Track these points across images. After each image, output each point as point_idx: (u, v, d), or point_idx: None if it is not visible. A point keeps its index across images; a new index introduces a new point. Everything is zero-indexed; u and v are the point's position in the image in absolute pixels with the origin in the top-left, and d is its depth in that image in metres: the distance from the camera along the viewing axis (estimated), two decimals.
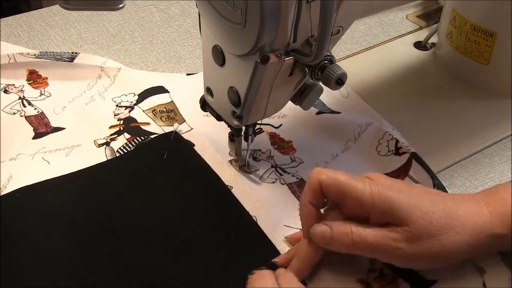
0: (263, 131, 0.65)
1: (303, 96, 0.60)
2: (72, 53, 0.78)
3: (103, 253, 0.58)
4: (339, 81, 0.56)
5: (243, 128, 0.64)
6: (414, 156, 0.68)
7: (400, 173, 0.68)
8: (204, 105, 0.65)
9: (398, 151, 0.69)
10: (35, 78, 0.76)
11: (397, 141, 0.69)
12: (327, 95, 0.74)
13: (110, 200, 0.62)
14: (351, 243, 0.53)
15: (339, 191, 0.54)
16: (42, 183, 0.63)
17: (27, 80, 0.76)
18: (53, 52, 0.78)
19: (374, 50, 0.87)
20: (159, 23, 0.89)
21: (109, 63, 0.78)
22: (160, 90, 0.75)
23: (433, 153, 0.69)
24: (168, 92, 0.75)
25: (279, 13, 0.51)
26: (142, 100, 0.74)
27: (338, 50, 0.84)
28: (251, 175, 0.67)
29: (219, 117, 0.64)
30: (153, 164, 0.66)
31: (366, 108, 0.75)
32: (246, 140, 0.65)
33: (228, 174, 0.66)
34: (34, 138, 0.69)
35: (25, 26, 0.87)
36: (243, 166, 0.67)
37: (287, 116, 0.73)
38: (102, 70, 0.77)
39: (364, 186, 0.53)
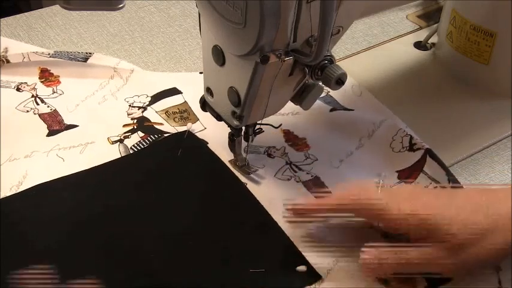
0: (263, 131, 0.65)
1: (303, 96, 0.60)
2: (87, 53, 0.79)
3: (119, 249, 0.58)
4: (338, 81, 0.56)
5: (243, 128, 0.64)
6: (429, 152, 0.68)
7: (415, 170, 0.68)
8: (204, 105, 0.65)
9: (412, 147, 0.69)
10: (47, 76, 0.77)
11: (411, 138, 0.70)
12: (341, 93, 0.75)
13: (125, 197, 0.63)
14: (398, 266, 0.54)
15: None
16: (58, 180, 0.64)
17: (39, 78, 0.77)
18: (67, 52, 0.79)
19: (374, 50, 0.87)
20: (159, 23, 0.89)
21: (122, 65, 0.78)
22: (173, 92, 0.76)
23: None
24: (181, 93, 0.76)
25: (279, 13, 0.51)
26: (155, 102, 0.74)
27: (338, 50, 0.84)
28: (267, 173, 0.67)
29: (219, 117, 0.64)
30: (168, 160, 0.67)
31: (379, 106, 0.75)
32: (246, 140, 0.65)
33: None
34: (48, 135, 0.70)
35: (25, 26, 0.87)
36: (243, 166, 0.67)
37: (300, 113, 0.73)
38: (115, 71, 0.77)
39: (398, 213, 0.55)
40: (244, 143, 0.66)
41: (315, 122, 0.72)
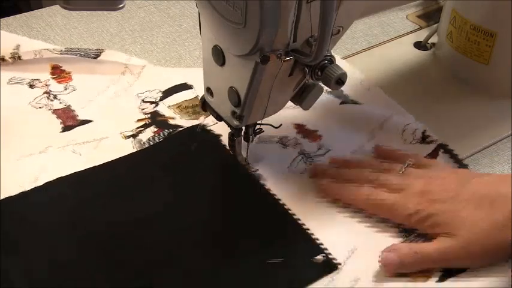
0: (263, 131, 0.65)
1: (303, 96, 0.60)
2: (98, 49, 0.79)
3: (136, 243, 0.58)
4: (338, 81, 0.56)
5: (243, 128, 0.64)
6: (442, 146, 0.69)
7: None
8: (204, 105, 0.65)
9: (425, 140, 0.70)
10: (58, 73, 0.77)
11: (424, 130, 0.70)
12: (350, 87, 0.76)
13: (140, 191, 0.64)
14: (419, 262, 0.56)
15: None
16: (74, 174, 0.65)
17: (51, 75, 0.77)
18: (78, 48, 0.80)
19: (374, 50, 0.87)
20: (159, 23, 0.89)
21: (133, 61, 0.79)
22: (184, 87, 0.76)
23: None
24: (192, 87, 0.76)
25: (279, 13, 0.51)
26: (167, 97, 0.75)
27: (338, 50, 0.84)
28: (281, 164, 0.67)
29: (219, 117, 0.64)
30: (182, 154, 0.68)
31: (387, 101, 0.76)
32: (246, 140, 0.65)
33: (256, 161, 0.67)
34: (63, 131, 0.70)
35: (25, 26, 0.87)
36: (243, 166, 0.67)
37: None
38: (126, 67, 0.78)
39: (405, 207, 0.59)
40: (244, 143, 0.66)
41: (326, 115, 0.73)
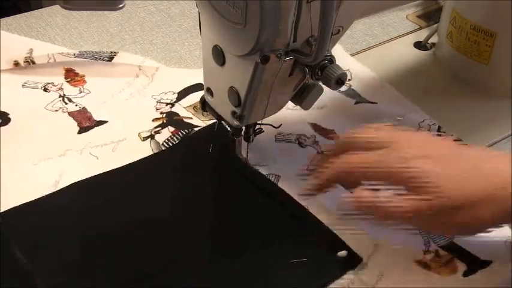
0: (263, 131, 0.65)
1: (303, 96, 0.60)
2: (111, 52, 0.79)
3: (155, 245, 0.59)
4: (339, 81, 0.56)
5: (243, 127, 0.64)
6: (458, 141, 0.68)
7: None
8: (204, 105, 0.65)
9: (440, 136, 0.70)
10: (72, 76, 0.77)
11: (440, 126, 0.71)
12: (362, 86, 0.77)
13: (160, 194, 0.64)
14: (395, 214, 0.52)
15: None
16: (93, 178, 0.64)
17: (65, 78, 0.77)
18: (92, 51, 0.80)
19: (374, 50, 0.87)
20: (159, 23, 0.89)
21: (147, 63, 0.79)
22: (198, 87, 0.76)
23: None
24: None
25: (279, 13, 0.51)
26: (182, 98, 0.75)
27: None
28: (300, 165, 0.65)
29: (219, 117, 0.64)
30: (200, 156, 0.67)
31: (401, 99, 0.76)
32: (246, 140, 0.65)
33: (274, 161, 0.67)
34: (79, 133, 0.70)
35: (25, 26, 0.87)
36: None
37: (326, 106, 0.74)
38: (140, 69, 0.78)
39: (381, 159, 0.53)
40: (244, 143, 0.66)
41: (341, 115, 0.73)
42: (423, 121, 0.73)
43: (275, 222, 0.61)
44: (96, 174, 0.65)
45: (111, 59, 0.79)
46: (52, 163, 0.66)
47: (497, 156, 0.55)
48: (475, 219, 0.52)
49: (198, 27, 0.60)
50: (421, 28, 0.91)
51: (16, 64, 0.77)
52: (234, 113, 0.60)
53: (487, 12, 0.75)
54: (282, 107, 0.63)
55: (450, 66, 0.82)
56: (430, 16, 0.93)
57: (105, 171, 0.65)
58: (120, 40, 0.86)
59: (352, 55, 0.85)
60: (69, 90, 0.76)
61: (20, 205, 0.61)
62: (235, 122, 0.61)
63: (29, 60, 0.77)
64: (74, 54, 0.78)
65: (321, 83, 0.58)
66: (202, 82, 0.74)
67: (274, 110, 0.63)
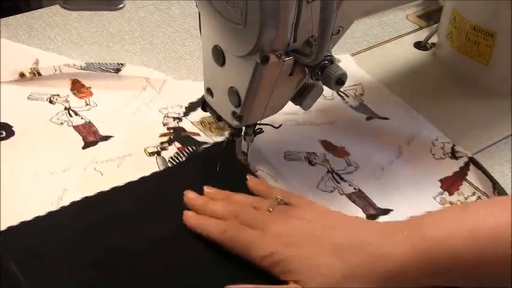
0: (263, 131, 0.65)
1: (303, 96, 0.60)
2: (118, 64, 0.78)
3: (160, 264, 0.57)
4: (339, 81, 0.56)
5: (243, 128, 0.64)
6: (472, 160, 0.68)
7: (457, 178, 0.67)
8: (204, 105, 0.65)
9: (455, 155, 0.69)
10: (78, 88, 0.76)
11: (453, 144, 0.69)
12: (374, 102, 0.76)
13: (164, 211, 0.62)
14: None
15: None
16: (97, 195, 0.63)
17: (71, 90, 0.76)
18: (99, 63, 0.78)
19: (374, 50, 0.87)
20: (159, 23, 0.89)
21: (155, 75, 0.78)
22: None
23: None
24: None
25: (279, 13, 0.51)
26: (190, 112, 0.74)
27: (338, 50, 0.84)
28: (310, 183, 0.65)
29: (219, 117, 0.64)
30: (206, 175, 0.66)
31: (413, 115, 0.74)
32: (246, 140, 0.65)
33: (283, 181, 0.65)
34: (84, 147, 0.69)
35: (25, 26, 0.87)
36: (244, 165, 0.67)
37: (336, 122, 0.73)
38: (147, 82, 0.77)
39: (261, 247, 0.55)
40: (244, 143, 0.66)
41: (352, 131, 0.72)
42: (436, 139, 0.71)
43: None
44: (100, 191, 0.63)
45: (118, 70, 0.78)
46: (55, 179, 0.65)
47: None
48: None
49: (198, 27, 0.60)
50: (421, 28, 0.91)
51: (22, 75, 0.76)
52: (234, 113, 0.60)
53: (487, 12, 0.75)
54: (282, 107, 0.63)
55: (450, 66, 0.82)
56: (430, 16, 0.93)
57: (109, 188, 0.64)
58: (120, 40, 0.86)
59: (352, 55, 0.85)
60: (75, 102, 0.75)
61: (20, 223, 0.59)
62: (235, 122, 0.61)
63: (34, 72, 0.76)
64: (81, 67, 0.77)
65: (321, 83, 0.58)
66: None
67: (274, 110, 0.63)
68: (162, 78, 0.78)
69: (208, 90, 0.63)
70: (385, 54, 0.86)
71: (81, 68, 0.77)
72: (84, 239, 0.59)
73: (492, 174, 0.69)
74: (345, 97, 0.77)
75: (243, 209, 0.59)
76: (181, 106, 0.75)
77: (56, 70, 0.76)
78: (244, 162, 0.67)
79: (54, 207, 0.61)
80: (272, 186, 0.64)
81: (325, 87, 0.58)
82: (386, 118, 0.74)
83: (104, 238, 0.59)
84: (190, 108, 0.74)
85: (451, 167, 0.68)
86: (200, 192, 0.63)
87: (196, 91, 0.75)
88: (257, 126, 0.64)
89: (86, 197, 0.63)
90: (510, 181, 0.68)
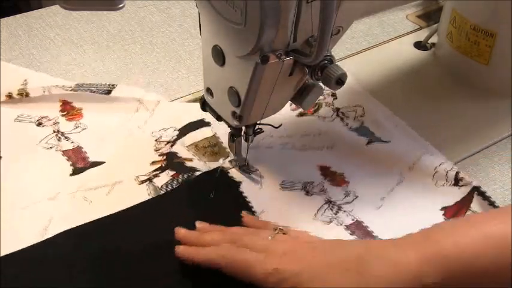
0: (263, 131, 0.65)
1: (303, 96, 0.60)
2: (110, 85, 0.75)
3: None
4: (339, 81, 0.56)
5: (243, 128, 0.64)
6: (476, 189, 0.65)
7: (462, 207, 0.65)
8: (204, 105, 0.65)
9: (458, 182, 0.66)
10: (68, 110, 0.73)
11: (457, 172, 0.66)
12: (376, 125, 0.73)
13: (155, 241, 0.59)
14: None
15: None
16: (85, 225, 0.60)
17: (60, 112, 0.73)
18: (90, 84, 0.76)
19: (374, 50, 0.87)
20: (159, 23, 0.89)
21: (148, 96, 0.75)
22: (201, 124, 0.72)
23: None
24: (210, 125, 0.72)
25: (279, 13, 0.51)
26: (183, 135, 0.71)
27: (338, 50, 0.84)
28: (306, 213, 0.63)
29: (219, 117, 0.64)
30: (200, 203, 0.64)
31: (415, 137, 0.71)
32: (246, 140, 0.65)
33: (278, 212, 0.63)
34: (72, 174, 0.66)
35: (25, 26, 0.87)
36: (243, 166, 0.67)
37: (336, 146, 0.71)
38: (140, 103, 0.74)
39: (263, 266, 0.52)
40: (244, 143, 0.66)
41: (352, 157, 0.69)
42: (440, 165, 0.67)
43: None
44: (88, 221, 0.60)
45: (109, 92, 0.74)
46: (41, 207, 0.62)
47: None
48: None
49: (198, 27, 0.60)
50: (421, 28, 0.91)
51: (9, 96, 0.72)
52: (233, 113, 0.60)
53: (487, 12, 0.75)
54: (282, 107, 0.63)
55: (450, 66, 0.82)
56: (430, 16, 0.93)
57: (98, 217, 0.61)
58: (120, 40, 0.86)
59: (352, 55, 0.85)
60: (65, 125, 0.71)
61: (1, 256, 0.56)
62: (235, 122, 0.61)
63: (23, 93, 0.73)
64: (71, 88, 0.74)
65: (321, 83, 0.58)
66: (205, 118, 0.72)
67: (274, 110, 0.62)
68: (155, 99, 0.75)
69: (208, 90, 0.63)
70: (385, 54, 0.86)
71: (71, 89, 0.74)
72: (71, 274, 0.56)
73: (492, 174, 0.69)
74: (345, 118, 0.74)
75: (241, 236, 0.57)
76: (175, 129, 0.72)
77: (44, 91, 0.73)
78: (243, 162, 0.67)
79: (39, 239, 0.59)
80: (269, 222, 0.61)
81: (324, 86, 0.58)
82: (387, 141, 0.71)
83: (93, 273, 0.57)
84: (184, 130, 0.72)
85: (455, 195, 0.65)
86: (193, 220, 0.60)
87: (191, 112, 0.73)
88: (257, 126, 0.64)
89: (72, 228, 0.60)
90: (510, 181, 0.68)
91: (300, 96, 0.61)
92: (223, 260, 0.54)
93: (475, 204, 0.65)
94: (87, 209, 0.62)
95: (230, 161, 0.68)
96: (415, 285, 0.49)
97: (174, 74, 0.81)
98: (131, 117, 0.73)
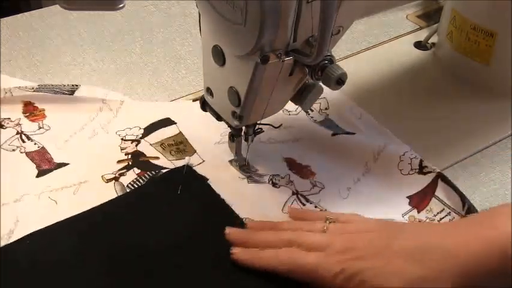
0: (263, 131, 0.65)
1: (303, 96, 0.60)
2: (73, 85, 0.74)
3: None
4: (339, 81, 0.56)
5: (243, 128, 0.64)
6: (440, 176, 0.66)
7: (426, 194, 0.66)
8: (204, 105, 0.65)
9: (422, 170, 0.67)
10: (31, 110, 0.72)
11: (421, 160, 0.67)
12: (340, 117, 0.74)
13: (123, 238, 0.59)
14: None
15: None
16: (53, 226, 0.59)
17: (23, 113, 0.72)
18: (52, 85, 0.75)
19: (374, 50, 0.87)
20: (159, 23, 0.89)
21: (111, 96, 0.74)
22: (166, 122, 0.72)
23: (433, 153, 0.69)
24: (175, 123, 0.72)
25: (279, 13, 0.51)
26: (149, 134, 0.71)
27: (338, 50, 0.84)
28: (273, 206, 0.63)
29: (219, 117, 0.64)
30: (167, 200, 0.63)
31: (380, 129, 0.72)
32: (246, 140, 0.65)
33: (247, 205, 0.63)
34: (38, 176, 0.65)
35: (25, 26, 0.87)
36: (243, 166, 0.67)
37: (302, 139, 0.71)
38: (103, 103, 0.74)
39: (329, 267, 0.53)
40: (244, 143, 0.66)
41: (318, 149, 0.70)
42: (404, 154, 0.68)
43: (243, 268, 0.57)
44: (54, 222, 0.59)
45: (72, 92, 0.74)
46: (7, 209, 0.61)
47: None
48: None
49: (198, 27, 0.60)
50: (421, 28, 0.91)
51: None
52: (233, 113, 0.60)
53: (487, 12, 0.75)
54: (282, 107, 0.63)
55: (450, 66, 0.82)
56: (430, 16, 0.93)
57: (65, 218, 0.60)
58: (120, 40, 0.86)
59: (352, 55, 0.85)
60: (28, 126, 0.70)
61: None
62: (235, 122, 0.61)
63: None
64: (33, 88, 0.73)
65: (321, 83, 0.58)
66: (171, 116, 0.72)
67: (274, 110, 0.63)
68: (119, 98, 0.74)
69: (208, 90, 0.63)
70: (385, 54, 0.86)
71: (34, 90, 0.73)
72: (38, 277, 0.55)
73: (492, 174, 0.69)
74: (310, 112, 0.74)
75: (298, 234, 0.57)
76: (140, 127, 0.71)
77: (6, 92, 0.72)
78: (243, 162, 0.67)
79: (6, 241, 0.58)
80: (313, 210, 0.63)
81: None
82: (352, 133, 0.72)
83: (61, 275, 0.56)
84: (150, 129, 0.71)
85: (420, 182, 0.66)
86: (161, 217, 0.61)
87: (156, 112, 0.73)
88: (257, 126, 0.64)
89: (38, 230, 0.59)
90: (510, 181, 0.68)
91: (300, 96, 0.61)
92: (285, 267, 0.55)
93: (440, 191, 0.66)
94: (53, 210, 0.61)
95: (230, 161, 0.68)
96: (473, 267, 0.50)
97: (174, 74, 0.81)
98: (95, 117, 0.72)
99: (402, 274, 0.52)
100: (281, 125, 0.69)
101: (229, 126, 0.63)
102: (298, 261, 0.55)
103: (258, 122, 0.63)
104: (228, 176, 0.66)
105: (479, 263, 0.50)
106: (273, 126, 0.67)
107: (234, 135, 0.65)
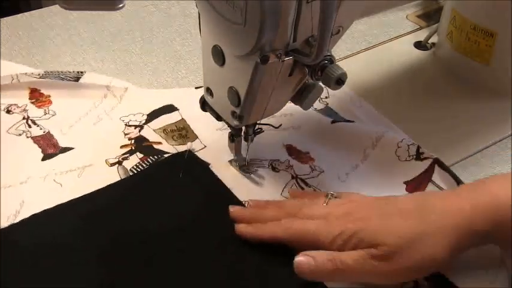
0: (263, 131, 0.65)
1: (303, 96, 0.60)
2: (78, 72, 0.76)
3: (122, 274, 0.56)
4: (339, 81, 0.56)
5: (243, 128, 0.64)
6: (437, 162, 0.67)
7: (423, 180, 0.67)
8: (204, 105, 0.65)
9: (419, 156, 0.68)
10: (37, 97, 0.74)
11: (418, 146, 0.68)
12: (340, 105, 0.75)
13: (126, 220, 0.60)
14: (335, 269, 0.54)
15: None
16: (57, 207, 0.61)
17: (29, 99, 0.74)
18: (58, 71, 0.76)
19: (374, 50, 0.87)
20: (159, 23, 0.89)
21: (115, 83, 0.76)
22: (169, 109, 0.74)
23: (433, 153, 0.69)
24: (178, 109, 0.74)
25: (279, 13, 0.51)
26: (152, 120, 0.72)
27: (338, 50, 0.84)
28: (273, 189, 0.65)
29: (219, 117, 0.64)
30: (169, 183, 0.65)
31: (379, 117, 0.74)
32: (246, 140, 0.65)
33: (247, 189, 0.65)
34: (43, 159, 0.67)
35: (25, 26, 0.87)
36: (243, 166, 0.67)
37: (302, 127, 0.72)
38: (108, 90, 0.75)
39: (328, 231, 0.55)
40: (244, 143, 0.66)
41: (317, 136, 0.71)
42: (402, 141, 0.69)
43: (244, 251, 0.58)
44: (59, 203, 0.61)
45: (77, 79, 0.75)
46: (12, 191, 0.62)
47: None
48: (420, 258, 0.52)
49: (198, 27, 0.60)
50: (421, 28, 0.91)
51: None
52: (233, 113, 0.60)
53: (487, 12, 0.75)
54: (282, 107, 0.63)
55: (450, 66, 0.82)
56: (430, 16, 0.93)
57: (69, 199, 0.61)
58: (120, 40, 0.86)
59: (352, 55, 0.85)
60: (34, 111, 0.72)
61: None
62: (235, 122, 0.61)
63: None
64: (39, 75, 0.75)
65: (320, 83, 0.58)
66: (173, 103, 0.74)
67: (274, 110, 0.63)
68: (123, 85, 0.76)
69: (208, 90, 0.63)
70: (385, 54, 0.86)
71: (40, 77, 0.75)
72: (43, 257, 0.56)
73: (492, 174, 0.69)
74: None
75: (299, 207, 0.59)
76: (143, 114, 0.73)
77: (13, 79, 0.74)
78: (243, 162, 0.67)
79: (11, 221, 0.59)
80: (316, 191, 0.64)
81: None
82: (351, 121, 0.73)
83: (65, 256, 0.57)
84: (153, 115, 0.73)
85: (417, 168, 0.67)
86: (163, 199, 0.63)
87: (159, 99, 0.75)
88: (257, 126, 0.64)
89: (43, 211, 0.60)
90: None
91: (300, 96, 0.61)
92: (287, 234, 0.57)
93: (436, 177, 0.67)
94: (58, 192, 0.63)
95: (230, 161, 0.68)
96: (466, 231, 0.52)
97: (174, 74, 0.81)
98: (99, 104, 0.74)
99: (399, 231, 0.53)
100: (281, 125, 0.69)
101: (229, 126, 0.63)
102: (299, 228, 0.56)
103: (258, 122, 0.63)
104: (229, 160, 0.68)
105: (472, 228, 0.52)
106: (273, 126, 0.67)
107: (234, 135, 0.65)
